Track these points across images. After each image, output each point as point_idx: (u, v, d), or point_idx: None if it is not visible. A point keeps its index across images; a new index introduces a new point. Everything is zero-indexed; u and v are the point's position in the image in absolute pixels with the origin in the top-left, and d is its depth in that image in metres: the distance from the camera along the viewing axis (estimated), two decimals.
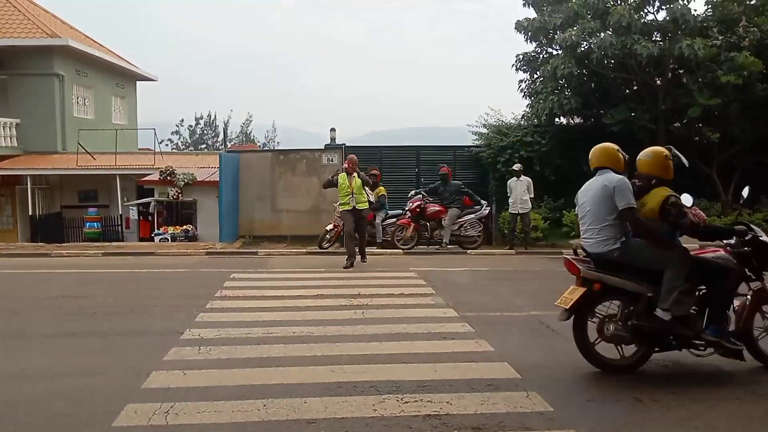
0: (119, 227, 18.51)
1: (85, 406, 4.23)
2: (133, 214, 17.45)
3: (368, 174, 14.39)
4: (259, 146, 45.54)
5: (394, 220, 13.92)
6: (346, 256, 10.64)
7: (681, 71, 14.64)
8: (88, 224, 17.82)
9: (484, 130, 16.27)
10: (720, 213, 14.88)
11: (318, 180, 16.07)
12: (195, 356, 5.33)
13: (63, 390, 4.53)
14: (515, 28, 15.39)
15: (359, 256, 10.91)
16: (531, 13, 15.51)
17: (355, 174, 10.78)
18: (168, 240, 15.16)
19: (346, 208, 10.75)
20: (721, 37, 13.93)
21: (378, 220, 13.68)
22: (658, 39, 14.25)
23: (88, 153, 19.25)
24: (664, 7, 14.33)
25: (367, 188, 11.16)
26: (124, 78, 25.52)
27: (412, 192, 14.32)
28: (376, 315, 6.91)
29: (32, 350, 5.61)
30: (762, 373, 4.92)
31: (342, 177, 10.82)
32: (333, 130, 17.52)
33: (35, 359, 5.32)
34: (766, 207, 14.96)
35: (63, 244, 15.11)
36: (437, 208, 13.61)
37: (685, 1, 14.21)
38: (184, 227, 15.66)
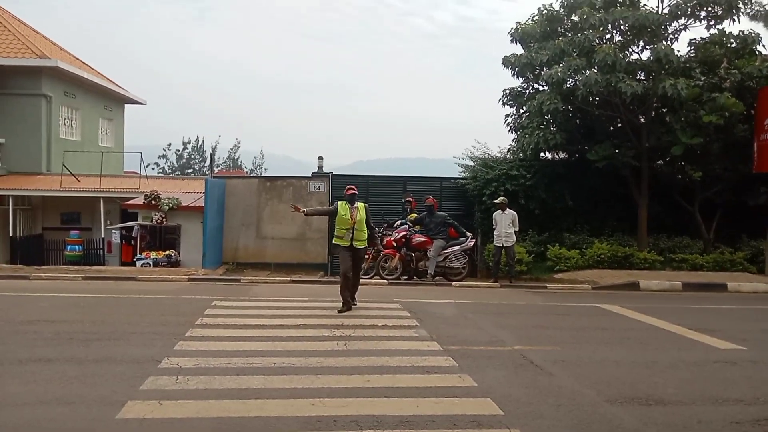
0: (101, 251, 18.29)
1: None
2: (116, 237, 17.25)
3: (424, 204, 13.92)
4: (246, 172, 45.57)
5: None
6: (342, 301, 9.15)
7: (664, 110, 14.90)
8: (69, 247, 17.54)
9: (471, 163, 16.39)
10: (702, 251, 15.03)
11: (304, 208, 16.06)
12: (172, 386, 5.22)
13: (34, 419, 4.40)
14: (502, 63, 15.63)
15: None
16: (518, 50, 15.78)
17: (359, 205, 9.24)
18: (150, 265, 14.97)
19: (342, 243, 9.15)
20: (703, 78, 14.24)
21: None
22: (642, 78, 14.53)
23: (73, 175, 19.10)
24: (648, 47, 14.67)
25: (368, 225, 9.35)
26: (113, 100, 25.51)
27: (398, 222, 14.33)
28: (358, 347, 6.83)
29: (4, 376, 5.45)
30: (744, 414, 4.90)
31: (342, 206, 9.17)
32: (321, 158, 17.59)
33: (6, 386, 5.17)
34: (746, 246, 15.15)
35: (42, 267, 14.83)
36: (423, 239, 13.60)
37: (669, 42, 14.58)
38: (167, 252, 15.49)
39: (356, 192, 9.36)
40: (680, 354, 7.02)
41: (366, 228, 9.22)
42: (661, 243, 15.35)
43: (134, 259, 15.69)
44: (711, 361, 6.69)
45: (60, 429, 4.22)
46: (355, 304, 9.24)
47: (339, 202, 9.27)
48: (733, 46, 14.43)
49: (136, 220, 16.37)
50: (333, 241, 9.51)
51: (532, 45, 15.43)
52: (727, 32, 14.41)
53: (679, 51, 14.08)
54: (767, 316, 10.11)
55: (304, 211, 9.66)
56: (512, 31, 15.72)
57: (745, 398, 5.34)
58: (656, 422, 4.67)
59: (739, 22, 14.61)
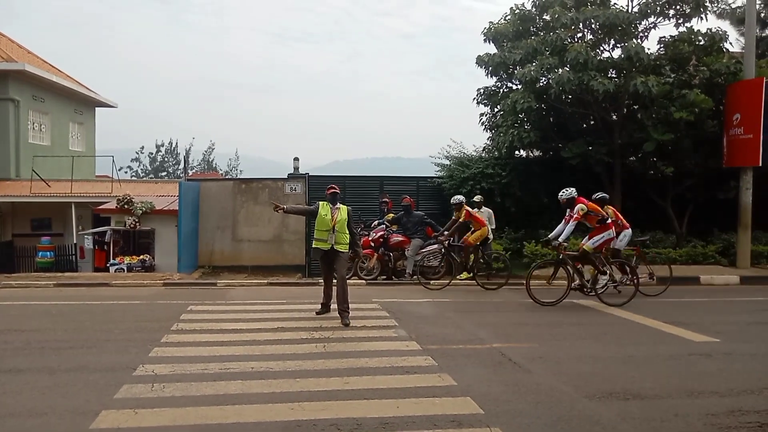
0: (73, 257, 17.95)
1: None
2: (89, 243, 16.95)
3: (401, 204, 14.03)
4: (222, 174, 45.14)
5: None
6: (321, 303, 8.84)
7: (636, 107, 15.10)
8: (40, 253, 17.22)
9: (447, 162, 16.44)
10: (675, 245, 15.27)
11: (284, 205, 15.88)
12: (148, 394, 5.12)
13: None
14: (476, 62, 15.72)
15: (342, 313, 8.32)
16: (492, 49, 15.89)
17: (341, 206, 8.67)
18: (124, 270, 14.75)
19: (322, 246, 8.48)
20: (673, 75, 14.46)
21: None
22: (614, 76, 14.70)
23: (43, 180, 18.76)
24: (619, 45, 14.86)
25: (349, 229, 8.68)
26: (83, 104, 25.08)
27: (375, 222, 14.31)
28: (337, 348, 6.79)
29: None
30: (719, 406, 4.97)
31: (323, 206, 8.62)
32: (296, 159, 17.47)
33: None
34: (718, 239, 15.43)
35: (12, 275, 14.53)
36: (400, 239, 13.62)
37: (639, 40, 14.78)
38: (141, 257, 15.28)
39: (338, 191, 8.82)
40: (656, 348, 7.10)
41: (347, 231, 8.58)
42: (634, 237, 15.53)
43: (107, 265, 15.45)
44: (686, 354, 6.78)
45: None
46: (348, 323, 8.09)
47: (320, 202, 8.71)
48: (701, 43, 14.67)
49: (109, 224, 16.11)
50: (313, 245, 8.73)
51: (505, 44, 15.54)
52: (695, 30, 14.65)
53: (649, 49, 14.32)
54: (739, 307, 10.29)
55: (284, 209, 9.03)
56: (485, 30, 15.83)
57: (720, 390, 5.42)
58: (634, 417, 4.71)
59: (707, 20, 14.91)
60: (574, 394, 5.23)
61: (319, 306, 8.89)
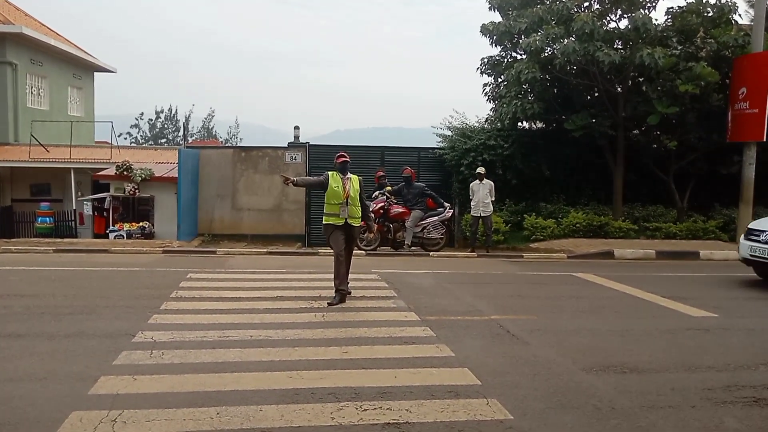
0: (73, 223, 17.97)
1: (27, 413, 4.01)
2: (88, 209, 16.93)
3: (401, 175, 13.68)
4: (221, 142, 44.90)
5: None
6: (335, 289, 7.68)
7: (641, 79, 14.92)
8: (39, 219, 17.20)
9: (449, 133, 16.31)
10: (675, 219, 15.24)
11: (281, 179, 15.76)
12: (146, 360, 5.14)
13: (3, 396, 4.29)
14: (481, 31, 15.48)
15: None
16: (497, 17, 15.63)
17: (352, 177, 7.93)
18: (123, 237, 14.75)
19: (336, 222, 7.79)
20: (680, 47, 14.24)
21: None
22: (620, 47, 14.49)
23: (42, 145, 18.65)
24: (626, 15, 14.61)
25: (361, 201, 7.98)
26: (82, 69, 24.80)
27: (376, 193, 14.24)
28: (336, 318, 6.81)
29: None
30: (715, 380, 4.99)
31: (333, 177, 7.85)
32: (297, 128, 17.33)
33: None
34: (719, 214, 15.40)
35: (12, 240, 14.54)
36: (400, 210, 13.57)
37: (646, 11, 14.51)
38: (141, 224, 15.27)
39: (348, 160, 7.99)
40: (654, 322, 7.12)
41: (360, 203, 7.92)
42: (635, 212, 15.53)
43: (107, 231, 15.45)
44: (684, 329, 6.80)
45: (31, 405, 4.12)
46: (350, 293, 7.92)
47: (329, 173, 7.90)
48: (709, 15, 14.43)
49: (108, 191, 16.07)
50: (324, 221, 7.90)
51: (510, 12, 15.27)
52: (704, 1, 14.38)
53: (656, 20, 14.09)
54: (738, 283, 10.30)
55: (294, 181, 8.25)
56: None
57: (717, 365, 5.44)
58: (630, 390, 4.72)
59: None
60: (571, 367, 5.25)
61: (333, 293, 7.68)
